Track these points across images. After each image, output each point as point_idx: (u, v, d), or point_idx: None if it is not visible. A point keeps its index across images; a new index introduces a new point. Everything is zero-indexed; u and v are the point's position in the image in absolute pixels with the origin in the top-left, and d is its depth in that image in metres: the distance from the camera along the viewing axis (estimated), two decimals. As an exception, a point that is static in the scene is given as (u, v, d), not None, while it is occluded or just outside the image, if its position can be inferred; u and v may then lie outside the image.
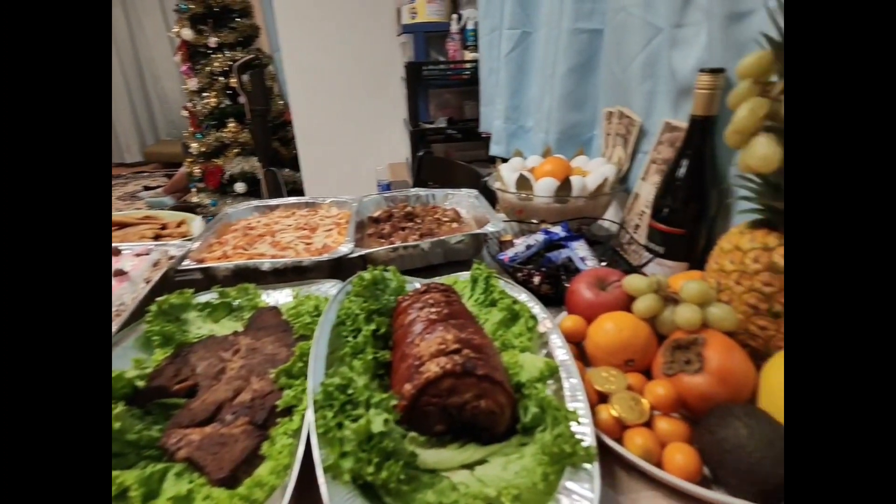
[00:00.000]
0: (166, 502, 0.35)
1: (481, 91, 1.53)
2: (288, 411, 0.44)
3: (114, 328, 0.55)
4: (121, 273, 0.66)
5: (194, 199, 3.00)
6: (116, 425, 0.39)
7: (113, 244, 0.76)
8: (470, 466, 0.40)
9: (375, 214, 0.95)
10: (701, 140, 0.60)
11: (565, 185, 0.82)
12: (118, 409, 0.40)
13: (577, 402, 0.43)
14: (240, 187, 2.86)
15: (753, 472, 0.34)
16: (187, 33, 2.75)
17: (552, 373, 0.45)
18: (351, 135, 2.60)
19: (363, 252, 0.73)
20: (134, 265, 0.69)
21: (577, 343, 0.54)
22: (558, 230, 0.77)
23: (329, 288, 0.66)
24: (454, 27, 1.99)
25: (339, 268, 0.75)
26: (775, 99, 0.39)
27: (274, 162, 2.57)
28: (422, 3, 2.01)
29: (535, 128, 1.22)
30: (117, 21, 4.45)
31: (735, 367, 0.42)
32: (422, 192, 1.03)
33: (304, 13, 2.35)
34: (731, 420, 0.37)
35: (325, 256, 0.71)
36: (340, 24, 2.38)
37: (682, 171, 0.62)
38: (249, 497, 0.35)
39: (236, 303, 0.63)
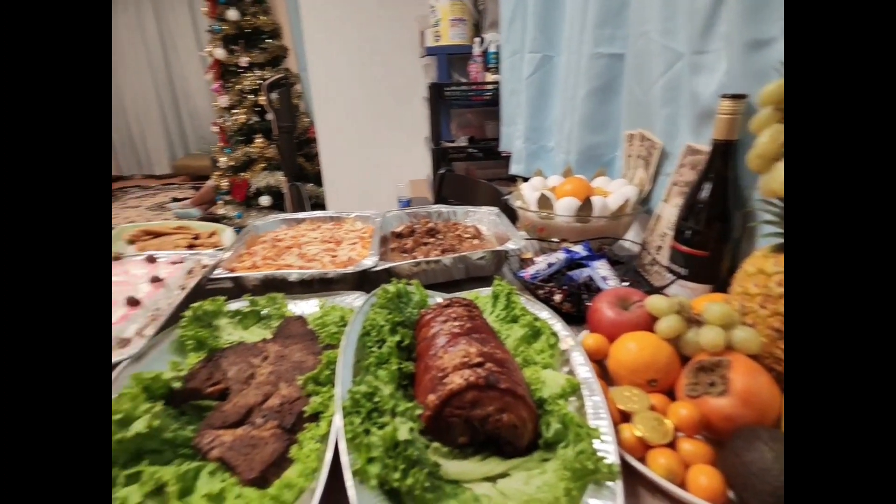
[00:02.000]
0: (201, 499, 0.36)
1: (502, 112, 1.56)
2: (315, 417, 0.45)
3: (151, 332, 0.57)
4: (157, 280, 0.69)
5: (220, 211, 3.10)
6: (155, 423, 0.40)
7: (149, 252, 0.80)
8: (492, 479, 0.40)
9: (398, 229, 0.97)
10: (723, 163, 0.60)
11: (586, 205, 0.83)
12: (157, 408, 0.42)
13: (599, 420, 0.43)
14: (265, 200, 2.94)
15: (778, 495, 0.34)
16: (220, 53, 2.89)
17: (574, 390, 0.45)
18: (373, 152, 2.66)
19: (387, 265, 0.75)
20: (169, 273, 0.72)
21: (598, 361, 0.54)
22: (580, 249, 0.78)
23: (353, 299, 0.68)
24: (476, 50, 2.04)
25: (363, 280, 0.76)
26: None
27: (298, 177, 2.64)
28: (445, 26, 2.07)
29: (555, 148, 1.23)
30: (152, 41, 4.67)
31: (760, 390, 0.42)
32: (443, 208, 1.05)
33: (330, 35, 2.45)
34: (756, 443, 0.37)
35: (350, 269, 0.73)
36: (365, 45, 2.47)
37: (704, 193, 0.62)
38: (279, 498, 0.36)
39: (265, 311, 0.65)
